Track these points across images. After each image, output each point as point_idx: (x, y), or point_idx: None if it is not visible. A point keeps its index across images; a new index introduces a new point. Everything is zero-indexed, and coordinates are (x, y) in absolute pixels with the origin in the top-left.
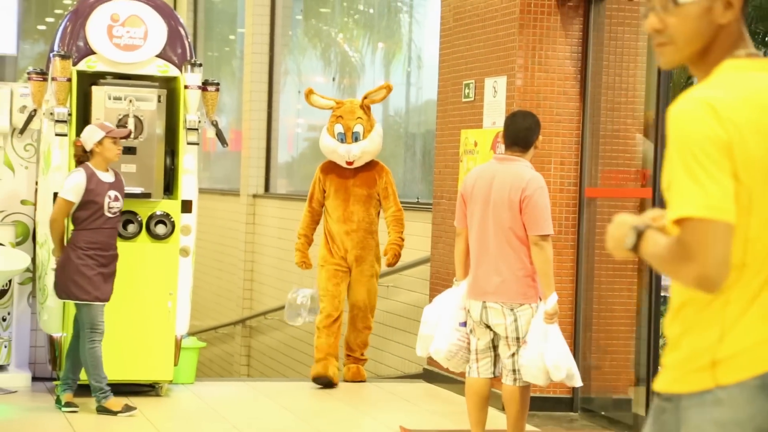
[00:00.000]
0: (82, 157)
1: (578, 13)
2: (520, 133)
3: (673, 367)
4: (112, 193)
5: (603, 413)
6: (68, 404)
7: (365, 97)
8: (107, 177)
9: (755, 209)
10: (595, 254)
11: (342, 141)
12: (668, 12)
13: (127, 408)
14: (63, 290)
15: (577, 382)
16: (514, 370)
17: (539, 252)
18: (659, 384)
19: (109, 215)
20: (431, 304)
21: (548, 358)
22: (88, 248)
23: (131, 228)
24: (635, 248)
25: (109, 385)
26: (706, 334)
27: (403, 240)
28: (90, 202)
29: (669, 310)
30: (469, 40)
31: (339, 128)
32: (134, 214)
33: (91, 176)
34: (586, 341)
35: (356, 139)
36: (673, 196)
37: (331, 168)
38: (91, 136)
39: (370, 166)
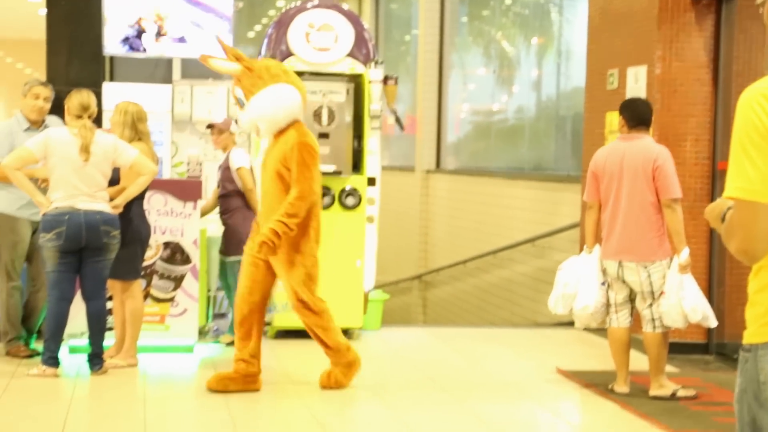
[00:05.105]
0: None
1: (711, 10)
2: (645, 115)
3: (751, 322)
4: None
5: (735, 356)
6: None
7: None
8: None
9: None
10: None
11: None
12: None
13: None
14: None
15: (712, 323)
16: (652, 319)
17: (672, 213)
18: (744, 337)
19: None
20: (564, 270)
21: (686, 304)
22: None
23: (326, 200)
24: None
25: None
26: None
27: (284, 224)
28: None
29: (751, 271)
30: (613, 35)
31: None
32: (328, 188)
33: None
34: (720, 295)
35: (244, 105)
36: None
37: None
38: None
39: (289, 134)
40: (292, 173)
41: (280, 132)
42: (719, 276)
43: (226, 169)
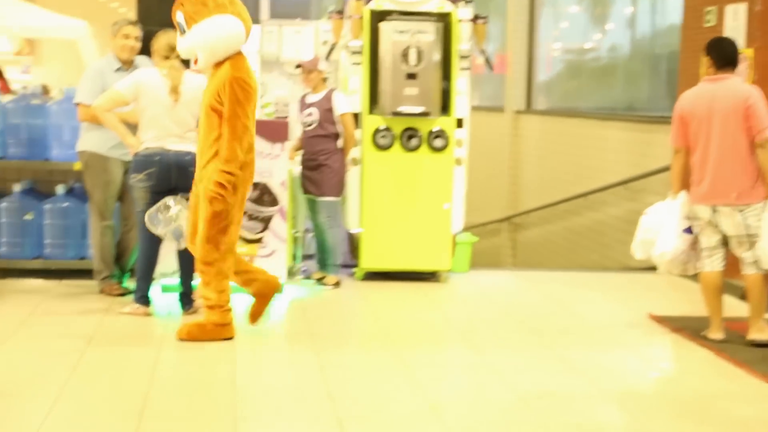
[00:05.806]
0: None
1: None
2: (733, 56)
3: None
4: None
5: None
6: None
7: None
8: None
9: None
10: None
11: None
12: None
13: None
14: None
15: None
16: (754, 262)
17: (765, 152)
18: None
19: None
20: (648, 215)
21: None
22: None
23: (414, 142)
24: None
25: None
26: None
27: (225, 173)
28: None
29: None
30: None
31: None
32: (416, 130)
33: None
34: None
35: (184, 32)
36: None
37: None
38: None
39: (224, 68)
40: (224, 110)
41: (219, 64)
42: None
43: (327, 110)
